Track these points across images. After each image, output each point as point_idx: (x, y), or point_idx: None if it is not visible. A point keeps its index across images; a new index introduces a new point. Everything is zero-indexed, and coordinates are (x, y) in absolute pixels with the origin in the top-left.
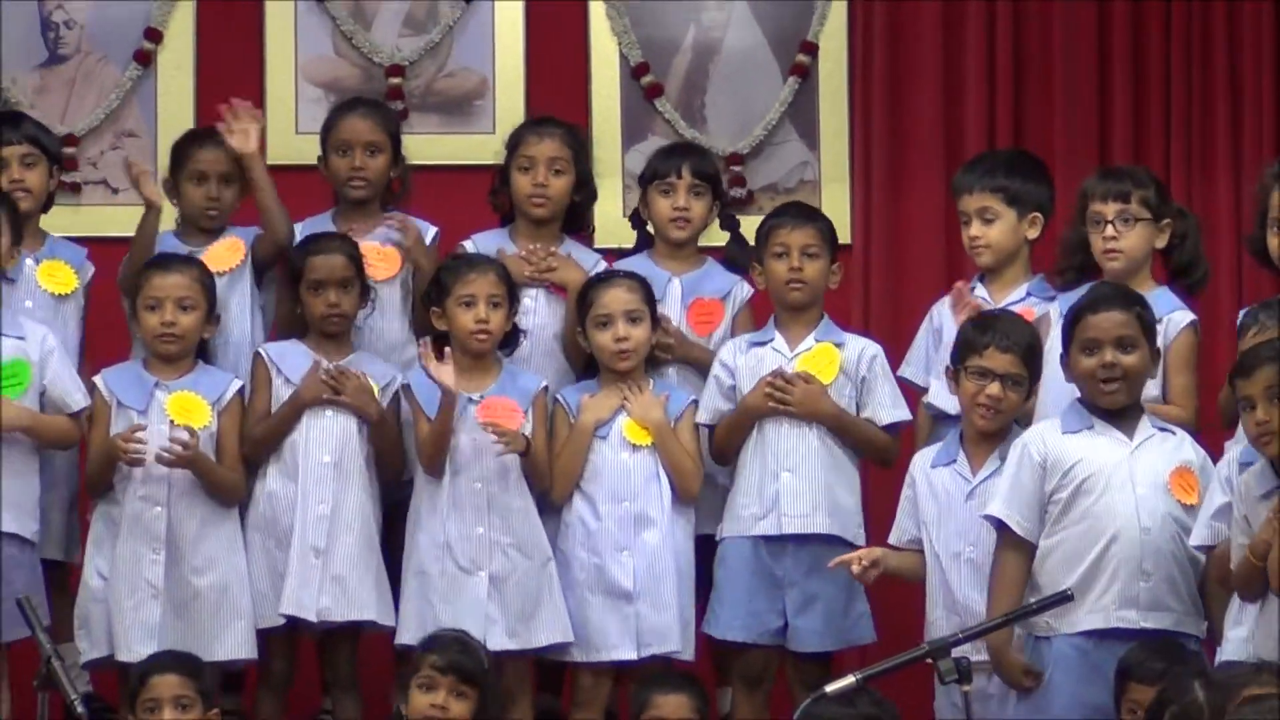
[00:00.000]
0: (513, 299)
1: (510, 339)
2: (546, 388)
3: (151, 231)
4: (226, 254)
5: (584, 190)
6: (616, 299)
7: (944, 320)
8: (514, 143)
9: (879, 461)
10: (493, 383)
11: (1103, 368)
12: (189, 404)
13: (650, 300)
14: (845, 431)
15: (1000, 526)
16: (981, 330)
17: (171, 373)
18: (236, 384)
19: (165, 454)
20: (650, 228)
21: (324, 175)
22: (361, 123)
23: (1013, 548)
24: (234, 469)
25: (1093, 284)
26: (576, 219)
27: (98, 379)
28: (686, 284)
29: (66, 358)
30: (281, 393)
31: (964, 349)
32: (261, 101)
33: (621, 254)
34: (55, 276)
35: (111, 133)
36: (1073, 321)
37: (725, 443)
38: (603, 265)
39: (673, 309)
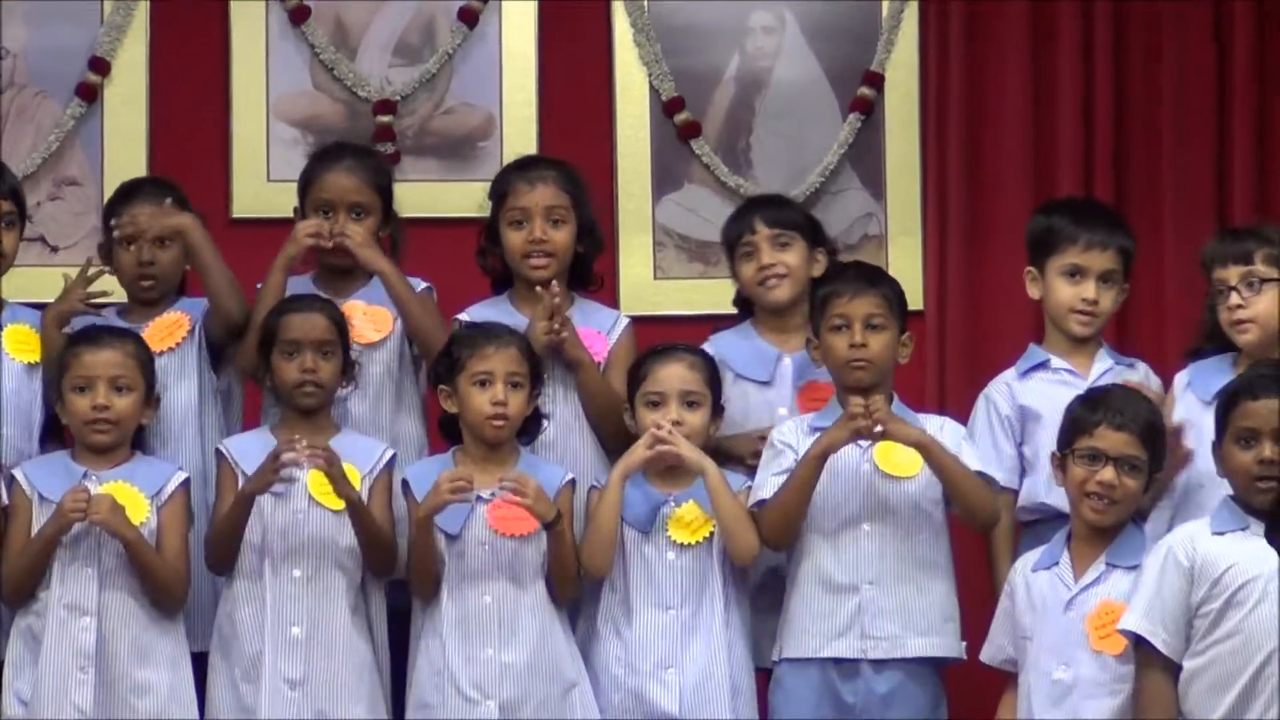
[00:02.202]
0: (535, 378)
1: (531, 425)
2: (574, 481)
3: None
4: (166, 331)
5: (589, 239)
6: (673, 377)
7: (1015, 399)
8: (499, 192)
9: (981, 522)
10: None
11: (1259, 464)
12: (123, 498)
13: (714, 384)
14: (941, 467)
15: (1140, 642)
16: (1091, 407)
17: (104, 463)
18: (180, 476)
19: (84, 512)
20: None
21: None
22: (347, 179)
23: (1157, 668)
24: (177, 568)
25: (1252, 365)
26: (580, 274)
27: (17, 471)
28: (799, 363)
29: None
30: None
31: (1072, 429)
32: (226, 144)
33: (648, 321)
34: (24, 343)
35: (50, 180)
36: (1226, 407)
37: (792, 506)
38: (623, 324)
39: (783, 392)
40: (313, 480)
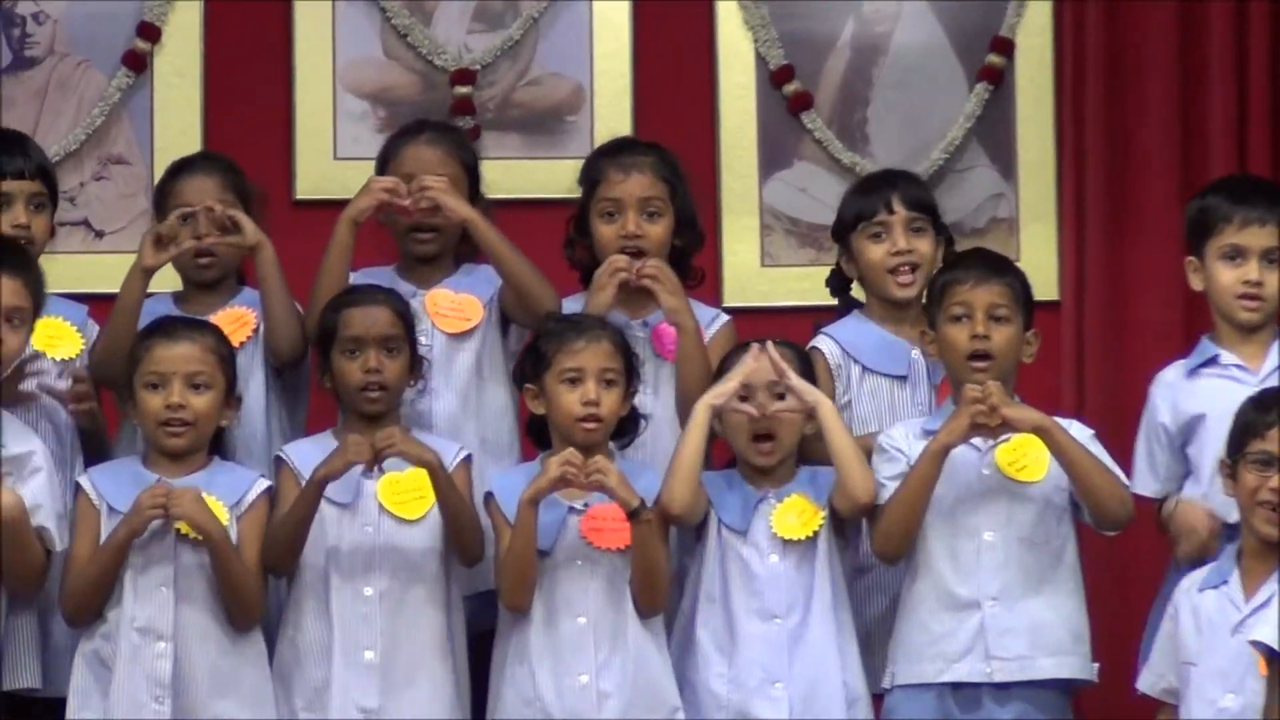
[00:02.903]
0: (631, 375)
1: (627, 427)
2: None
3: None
4: (231, 327)
5: (688, 232)
6: (764, 371)
7: (1176, 401)
8: (590, 180)
9: (1112, 520)
10: None
11: None
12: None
13: (809, 375)
14: (1065, 454)
15: (1274, 657)
16: (1264, 408)
17: (178, 469)
18: (261, 484)
19: (164, 509)
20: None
21: (377, 217)
22: (430, 152)
23: None
24: (257, 580)
25: None
26: (679, 270)
27: (83, 479)
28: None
29: (55, 481)
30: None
31: (1243, 433)
32: (289, 118)
33: (754, 314)
34: (54, 339)
35: (94, 158)
36: None
37: (910, 511)
38: (721, 321)
39: (919, 389)
40: (383, 488)
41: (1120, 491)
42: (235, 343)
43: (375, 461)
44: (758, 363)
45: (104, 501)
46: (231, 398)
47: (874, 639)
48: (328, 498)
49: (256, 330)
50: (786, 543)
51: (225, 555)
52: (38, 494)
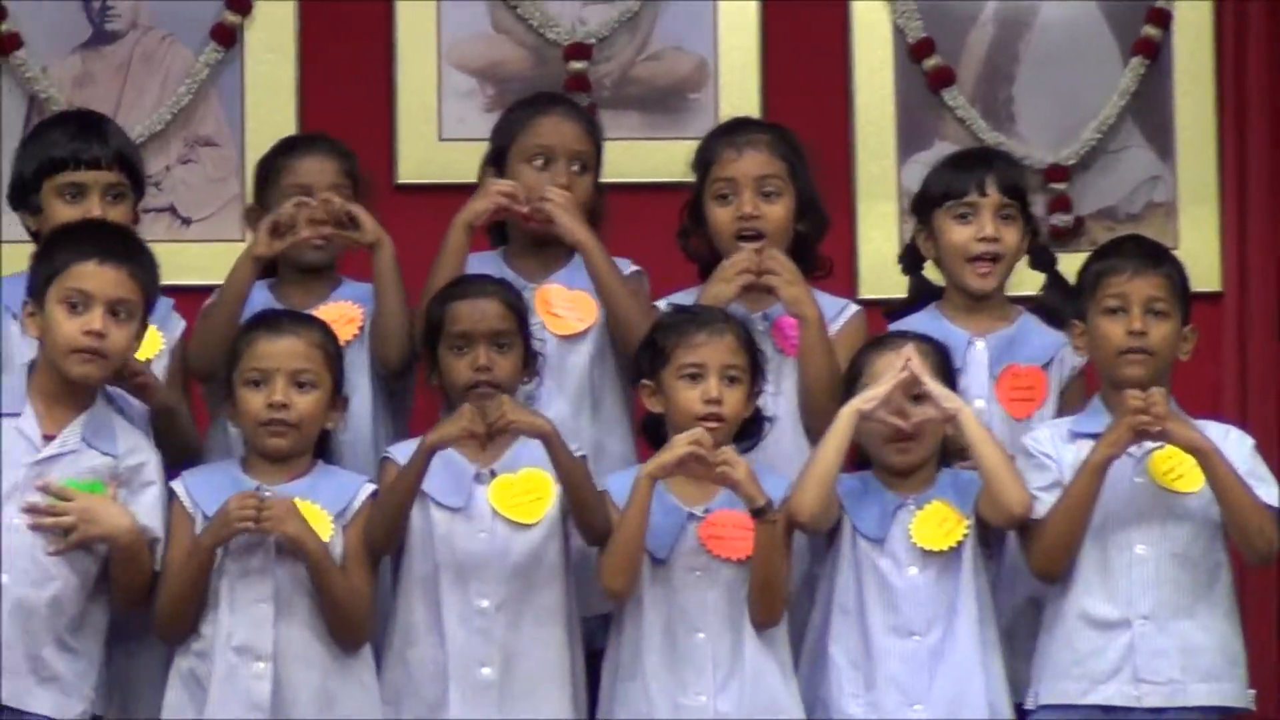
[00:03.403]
0: (756, 371)
1: (750, 429)
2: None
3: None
4: (336, 324)
5: (810, 215)
6: (903, 357)
7: None
8: (703, 162)
9: (1255, 553)
10: (721, 489)
11: None
12: (303, 514)
13: (947, 369)
14: (1218, 482)
15: None
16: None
17: (279, 474)
18: (367, 489)
19: (255, 519)
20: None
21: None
22: (568, 125)
23: None
24: (365, 595)
25: None
26: (803, 258)
27: (176, 484)
28: (995, 347)
29: (164, 495)
30: (415, 513)
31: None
32: (390, 97)
33: (895, 311)
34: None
35: (181, 140)
36: None
37: (1072, 528)
38: (850, 312)
39: (978, 380)
40: (496, 492)
41: (1267, 528)
42: (340, 340)
43: (490, 433)
44: (905, 371)
45: (199, 509)
46: (338, 398)
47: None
48: (437, 501)
49: (363, 329)
50: (927, 553)
51: (325, 572)
52: (150, 511)
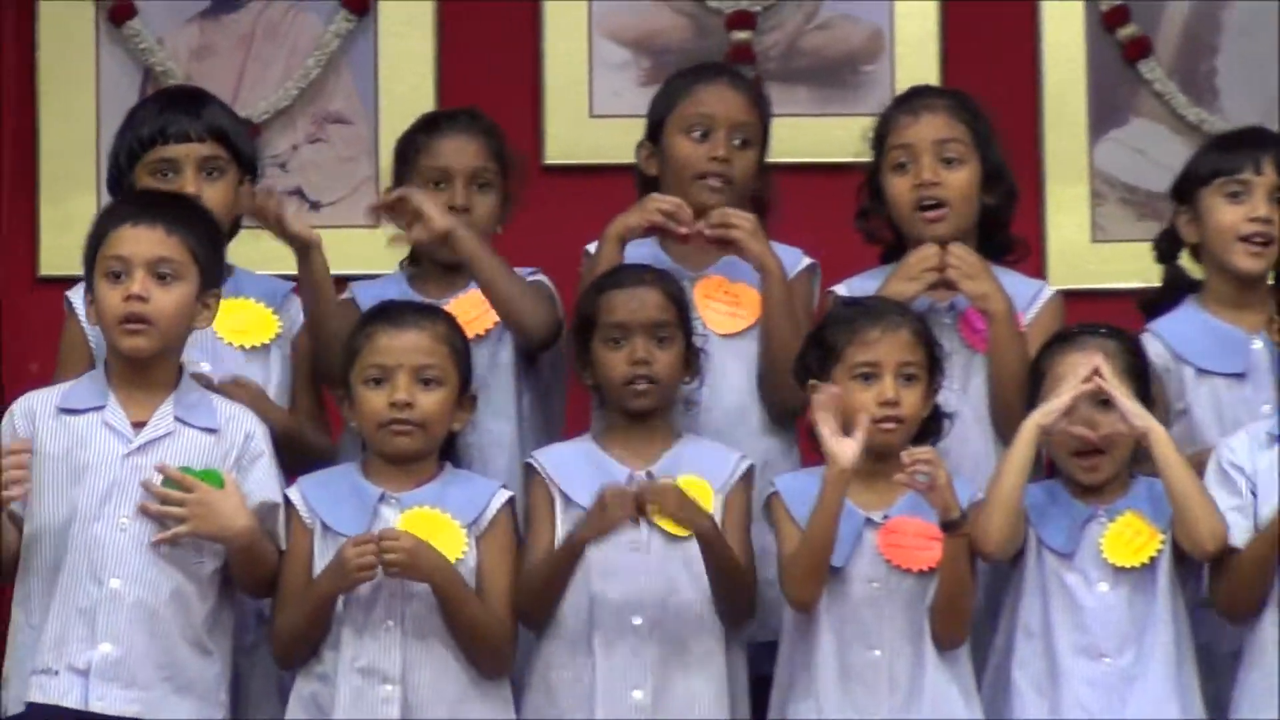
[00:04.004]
0: (935, 368)
1: (929, 428)
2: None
3: (320, 288)
4: (474, 312)
5: (997, 185)
6: (1089, 364)
7: None
8: (879, 134)
9: None
10: (901, 493)
11: None
12: (432, 527)
13: (1141, 370)
14: None
15: None
16: None
17: (405, 480)
18: (503, 496)
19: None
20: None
21: (646, 172)
22: (733, 95)
23: None
24: (503, 618)
25: None
26: (995, 238)
27: (293, 491)
28: (1272, 344)
29: (276, 464)
30: (564, 523)
31: None
32: (537, 70)
33: (1150, 304)
34: (240, 322)
35: (308, 117)
36: None
37: (1266, 569)
38: (1046, 295)
39: (1263, 384)
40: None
41: None
42: (480, 330)
43: (641, 515)
44: (1089, 382)
45: (316, 519)
46: (465, 397)
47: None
48: (583, 508)
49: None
50: (1119, 569)
51: (460, 606)
52: (264, 483)
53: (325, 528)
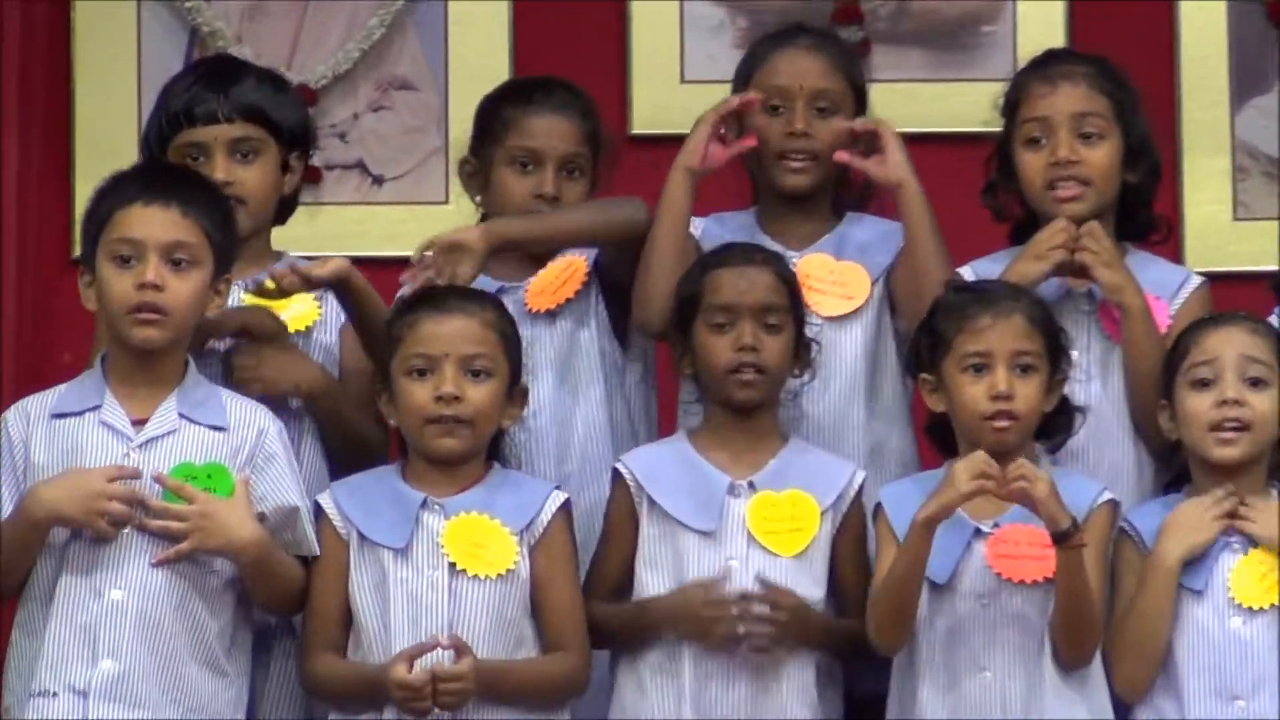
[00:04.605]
0: (1057, 356)
1: (1058, 423)
2: (1115, 503)
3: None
4: (558, 281)
5: (1141, 162)
6: (1230, 347)
7: None
8: (1011, 102)
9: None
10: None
11: None
12: (481, 533)
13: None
14: None
15: None
16: None
17: (448, 484)
18: (557, 498)
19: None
20: None
21: (733, 148)
22: (810, 61)
23: None
24: (574, 646)
25: None
26: (1136, 217)
27: (324, 497)
28: None
29: (294, 464)
30: (655, 537)
31: None
32: (623, 33)
33: (1225, 280)
34: (278, 302)
35: (371, 83)
36: None
37: None
38: (1193, 284)
39: None
40: (754, 511)
41: None
42: (562, 299)
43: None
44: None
45: (352, 529)
46: (515, 390)
47: None
48: (682, 523)
49: (586, 284)
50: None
51: (521, 691)
52: (279, 487)
53: (362, 538)
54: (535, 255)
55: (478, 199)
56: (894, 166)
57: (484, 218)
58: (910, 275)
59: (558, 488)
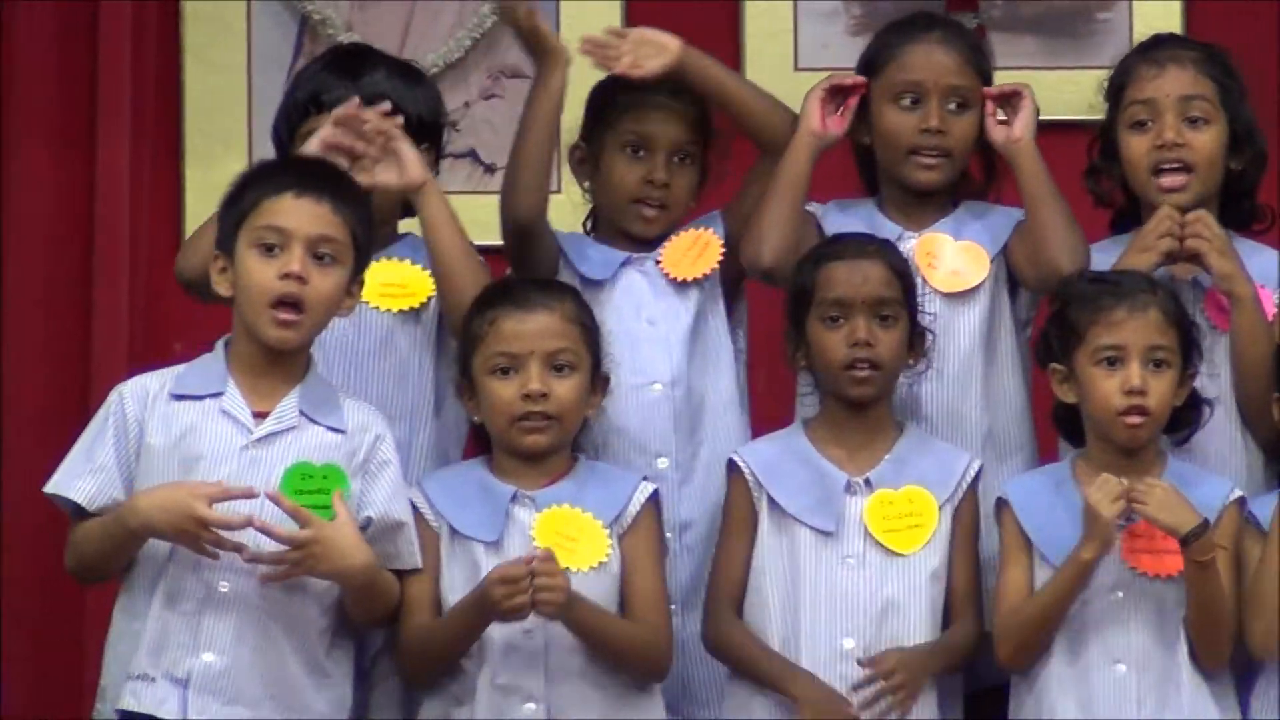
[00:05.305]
0: (1189, 349)
1: (1186, 417)
2: (1243, 499)
3: (550, 121)
4: (694, 252)
5: (1247, 149)
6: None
7: None
8: (1116, 85)
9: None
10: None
11: None
12: (572, 526)
13: None
14: None
15: None
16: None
17: (537, 477)
18: (645, 489)
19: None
20: None
21: (857, 141)
22: (945, 56)
23: None
24: (657, 626)
25: None
26: (1239, 205)
27: (414, 491)
28: None
29: (404, 488)
30: (771, 533)
31: None
32: (735, 17)
33: None
34: (392, 283)
35: (483, 70)
36: None
37: None
38: None
39: None
40: (872, 509)
41: None
42: (701, 272)
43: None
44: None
45: (444, 522)
46: (598, 379)
47: None
48: (799, 519)
49: (719, 265)
50: None
51: (607, 638)
52: (389, 497)
53: (454, 531)
54: (638, 239)
55: (586, 185)
56: (1020, 127)
57: (593, 205)
58: (1030, 236)
59: (645, 479)
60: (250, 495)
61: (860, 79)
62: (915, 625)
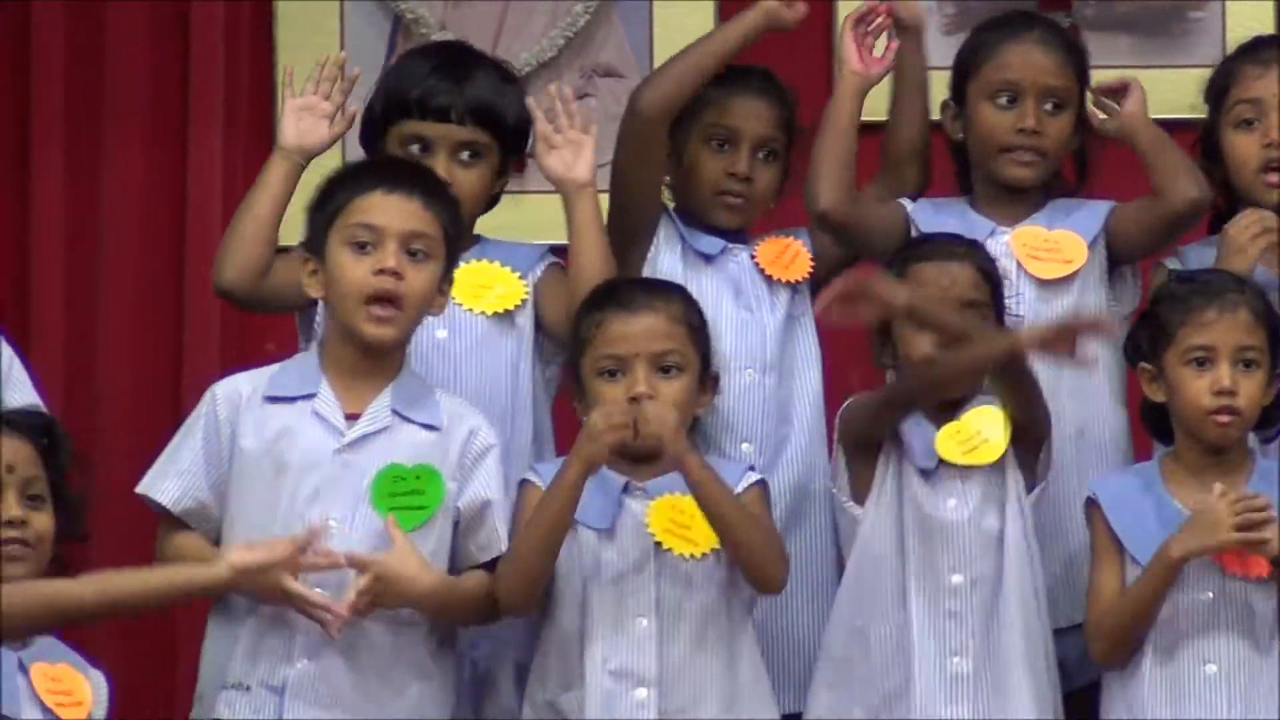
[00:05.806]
0: (1277, 351)
1: (1272, 416)
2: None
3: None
4: (786, 257)
5: None
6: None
7: None
8: (1219, 86)
9: None
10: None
11: None
12: (684, 514)
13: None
14: None
15: None
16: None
17: (647, 468)
18: (752, 477)
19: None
20: None
21: (952, 136)
22: (1043, 56)
23: None
24: (781, 546)
25: None
26: None
27: (532, 475)
28: None
29: (501, 472)
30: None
31: None
32: (830, 21)
33: None
34: (481, 285)
35: (576, 69)
36: None
37: None
38: None
39: None
40: (946, 442)
41: None
42: (795, 277)
43: None
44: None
45: None
46: (707, 377)
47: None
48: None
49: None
50: None
51: (725, 513)
52: (489, 480)
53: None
54: (721, 230)
55: (668, 178)
56: (1132, 102)
57: (674, 197)
58: (1157, 178)
59: (751, 468)
60: (337, 565)
61: (880, 4)
62: (1014, 560)
